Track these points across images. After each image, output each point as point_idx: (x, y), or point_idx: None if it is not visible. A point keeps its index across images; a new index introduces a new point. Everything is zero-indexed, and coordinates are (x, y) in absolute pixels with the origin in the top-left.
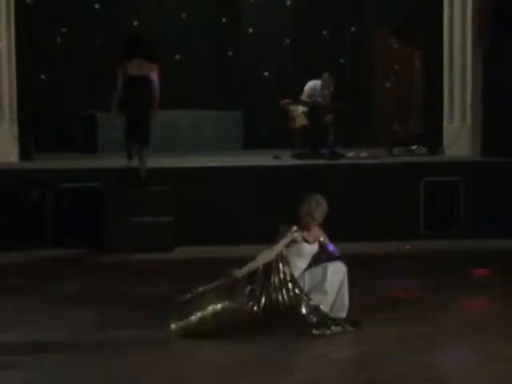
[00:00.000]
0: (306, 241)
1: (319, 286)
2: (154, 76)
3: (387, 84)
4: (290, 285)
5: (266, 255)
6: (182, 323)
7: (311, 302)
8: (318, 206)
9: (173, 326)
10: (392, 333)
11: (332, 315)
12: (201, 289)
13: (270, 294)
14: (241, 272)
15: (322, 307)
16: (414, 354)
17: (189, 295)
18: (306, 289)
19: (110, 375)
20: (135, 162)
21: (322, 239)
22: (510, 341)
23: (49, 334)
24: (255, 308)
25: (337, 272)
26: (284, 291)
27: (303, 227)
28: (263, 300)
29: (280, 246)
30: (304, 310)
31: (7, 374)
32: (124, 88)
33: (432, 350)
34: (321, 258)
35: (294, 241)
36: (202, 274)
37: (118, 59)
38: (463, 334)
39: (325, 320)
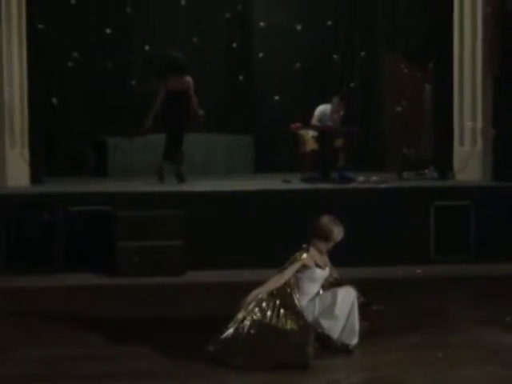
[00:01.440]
0: (318, 266)
1: (329, 310)
2: (190, 90)
3: (397, 108)
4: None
5: (274, 281)
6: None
7: (319, 330)
8: (340, 232)
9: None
10: (404, 358)
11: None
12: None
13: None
14: (249, 299)
15: (330, 335)
16: (425, 379)
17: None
18: (316, 313)
19: None
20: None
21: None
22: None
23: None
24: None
25: (346, 296)
26: (286, 318)
27: (318, 251)
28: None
29: (289, 273)
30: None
31: None
32: (164, 102)
33: (442, 374)
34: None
35: (306, 266)
36: (213, 297)
37: (158, 76)
38: (472, 359)
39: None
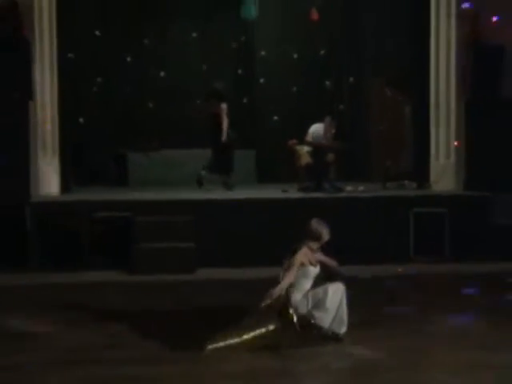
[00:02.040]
0: (310, 263)
1: (321, 303)
2: (222, 113)
3: (381, 127)
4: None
5: (288, 279)
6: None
7: (312, 321)
8: (326, 232)
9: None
10: (388, 345)
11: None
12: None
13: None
14: (274, 295)
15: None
16: (404, 363)
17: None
18: (310, 306)
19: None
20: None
21: (322, 260)
22: (491, 352)
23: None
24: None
25: (336, 291)
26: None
27: (310, 250)
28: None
29: (294, 272)
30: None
31: None
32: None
33: (421, 360)
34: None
35: (302, 264)
36: (221, 292)
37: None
38: (448, 346)
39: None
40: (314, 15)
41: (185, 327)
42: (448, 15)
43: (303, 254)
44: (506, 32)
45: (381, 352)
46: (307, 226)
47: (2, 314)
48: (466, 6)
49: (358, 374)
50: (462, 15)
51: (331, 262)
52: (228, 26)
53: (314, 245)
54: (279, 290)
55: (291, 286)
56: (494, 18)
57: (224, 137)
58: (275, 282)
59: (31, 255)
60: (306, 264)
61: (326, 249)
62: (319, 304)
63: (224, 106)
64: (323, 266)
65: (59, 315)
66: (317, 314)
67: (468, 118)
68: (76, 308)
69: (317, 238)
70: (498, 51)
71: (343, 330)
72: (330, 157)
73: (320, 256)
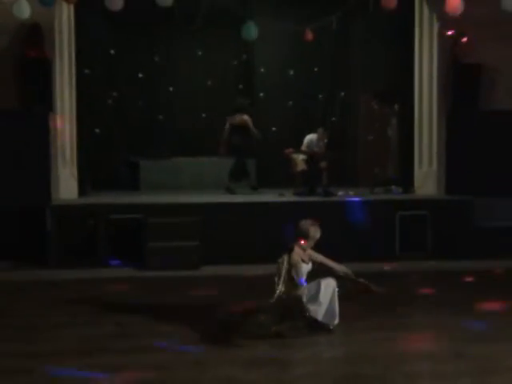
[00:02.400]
0: (303, 261)
1: (314, 297)
2: (248, 124)
3: (369, 137)
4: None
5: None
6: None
7: (307, 314)
8: (317, 231)
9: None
10: (376, 336)
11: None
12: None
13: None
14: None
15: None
16: (390, 352)
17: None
18: (304, 300)
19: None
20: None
21: (315, 258)
22: (464, 342)
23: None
24: None
25: (328, 286)
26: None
27: (301, 248)
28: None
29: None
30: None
31: None
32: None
33: (405, 349)
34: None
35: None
36: (223, 286)
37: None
38: (429, 336)
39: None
40: (309, 36)
41: (190, 318)
42: (430, 37)
43: (297, 254)
44: (483, 52)
45: (367, 343)
46: (297, 225)
47: (23, 307)
48: (447, 32)
49: (349, 362)
50: (442, 37)
51: (329, 262)
52: (230, 45)
53: (306, 243)
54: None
55: (292, 283)
56: (472, 40)
57: (259, 136)
58: (271, 277)
59: (51, 253)
60: (298, 261)
61: (319, 247)
62: (313, 298)
63: (247, 117)
64: (322, 265)
65: (76, 308)
66: (311, 307)
67: (448, 129)
68: (91, 301)
69: (306, 236)
70: (476, 69)
71: (335, 321)
72: (323, 164)
73: (319, 256)
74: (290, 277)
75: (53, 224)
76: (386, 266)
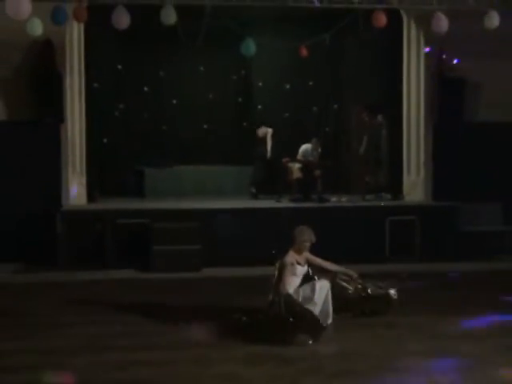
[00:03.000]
0: (298, 263)
1: (309, 298)
2: (266, 137)
3: (360, 147)
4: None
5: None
6: None
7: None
8: (311, 235)
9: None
10: (367, 334)
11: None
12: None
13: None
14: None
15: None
16: (383, 350)
17: None
18: (300, 301)
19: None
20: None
21: (311, 260)
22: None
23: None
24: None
25: (323, 287)
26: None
27: (298, 252)
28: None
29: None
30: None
31: None
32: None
33: (397, 347)
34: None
35: (292, 264)
36: (223, 288)
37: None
38: (420, 334)
39: None
40: (304, 52)
41: (193, 317)
42: (417, 54)
43: (290, 256)
44: (467, 67)
45: (360, 341)
46: (293, 231)
47: (34, 307)
48: (430, 49)
49: (343, 358)
50: (429, 54)
51: (326, 264)
52: (230, 61)
53: (300, 247)
54: (282, 287)
55: (283, 283)
56: (456, 57)
57: (269, 155)
58: (269, 278)
59: (61, 256)
60: (294, 264)
61: (314, 250)
62: (308, 299)
63: (268, 129)
64: (320, 267)
65: (84, 307)
66: (306, 307)
67: (435, 139)
68: (98, 301)
69: (299, 242)
70: (460, 83)
71: (329, 321)
72: (317, 172)
73: (316, 259)
74: (280, 278)
75: (63, 228)
76: (376, 268)
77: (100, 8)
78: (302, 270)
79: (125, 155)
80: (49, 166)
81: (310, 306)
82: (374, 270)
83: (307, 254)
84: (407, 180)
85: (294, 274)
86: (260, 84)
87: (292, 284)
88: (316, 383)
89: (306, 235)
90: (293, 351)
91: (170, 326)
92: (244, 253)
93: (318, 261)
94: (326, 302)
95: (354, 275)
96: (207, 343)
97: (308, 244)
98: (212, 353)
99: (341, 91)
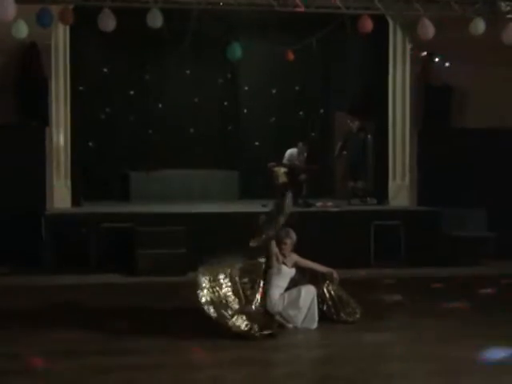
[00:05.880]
0: (284, 264)
1: (295, 302)
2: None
3: (345, 152)
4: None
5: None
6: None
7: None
8: (292, 238)
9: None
10: (351, 338)
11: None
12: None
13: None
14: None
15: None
16: (367, 355)
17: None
18: (285, 304)
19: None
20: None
21: (299, 262)
22: (440, 344)
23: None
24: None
25: (308, 292)
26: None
27: (282, 254)
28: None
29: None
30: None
31: None
32: None
33: (381, 352)
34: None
35: (277, 260)
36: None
37: None
38: (404, 339)
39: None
40: (290, 56)
41: (179, 321)
42: (403, 59)
43: (276, 254)
44: (453, 74)
45: (343, 345)
46: (277, 234)
47: (18, 310)
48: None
49: (327, 363)
50: (414, 59)
51: (314, 265)
52: (216, 64)
53: (283, 248)
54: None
55: (268, 282)
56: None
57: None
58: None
59: (45, 259)
60: (279, 262)
61: (298, 254)
62: (293, 303)
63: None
64: (312, 270)
65: (69, 311)
66: (291, 312)
67: (420, 145)
68: (83, 305)
69: (280, 242)
70: (445, 89)
71: (314, 325)
72: (303, 176)
73: (303, 260)
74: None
75: (47, 232)
76: (361, 272)
77: (86, 11)
78: (288, 271)
79: (110, 159)
80: (33, 170)
81: (294, 311)
82: (358, 275)
83: (295, 257)
84: (392, 185)
85: (279, 273)
86: (246, 88)
87: (276, 283)
88: None
89: (291, 235)
90: (277, 355)
91: (155, 330)
92: (230, 257)
93: (307, 262)
94: (311, 307)
95: (336, 278)
96: (192, 347)
97: (289, 244)
98: (198, 357)
99: (327, 96)
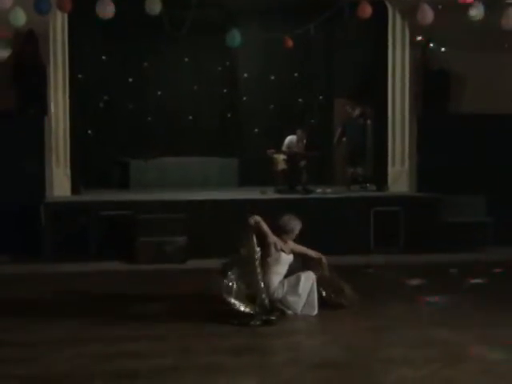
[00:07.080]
0: (282, 251)
1: (294, 289)
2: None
3: (344, 139)
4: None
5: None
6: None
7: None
8: (297, 225)
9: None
10: (352, 325)
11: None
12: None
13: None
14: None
15: (295, 307)
16: (366, 341)
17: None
18: (284, 291)
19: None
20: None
21: (295, 248)
22: (438, 329)
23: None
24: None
25: (308, 279)
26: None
27: (282, 240)
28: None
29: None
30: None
31: None
32: None
33: (381, 337)
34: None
35: (275, 248)
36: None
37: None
38: (404, 325)
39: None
40: (289, 43)
41: (178, 309)
42: (402, 45)
43: (276, 241)
44: (452, 59)
45: (344, 331)
46: (278, 220)
47: (19, 298)
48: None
49: (326, 350)
50: (413, 45)
51: (308, 251)
52: (215, 52)
53: (286, 236)
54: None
55: (266, 271)
56: (441, 48)
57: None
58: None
59: (45, 248)
60: (278, 250)
61: (300, 241)
62: (292, 290)
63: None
64: (304, 256)
65: (69, 299)
66: (291, 298)
67: (419, 131)
68: (83, 293)
69: (285, 230)
70: (444, 75)
71: (314, 312)
72: (302, 163)
73: (298, 246)
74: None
75: (47, 220)
76: (362, 259)
77: None
78: (286, 258)
79: (109, 147)
80: (33, 158)
81: (294, 298)
82: (358, 261)
83: (291, 243)
84: (392, 171)
85: (278, 261)
86: (245, 75)
87: (276, 271)
88: (298, 374)
89: (297, 224)
90: (275, 342)
91: (155, 317)
92: (229, 244)
93: (300, 248)
94: (310, 293)
95: (325, 263)
96: (193, 334)
97: (290, 236)
98: (198, 344)
99: (326, 82)
